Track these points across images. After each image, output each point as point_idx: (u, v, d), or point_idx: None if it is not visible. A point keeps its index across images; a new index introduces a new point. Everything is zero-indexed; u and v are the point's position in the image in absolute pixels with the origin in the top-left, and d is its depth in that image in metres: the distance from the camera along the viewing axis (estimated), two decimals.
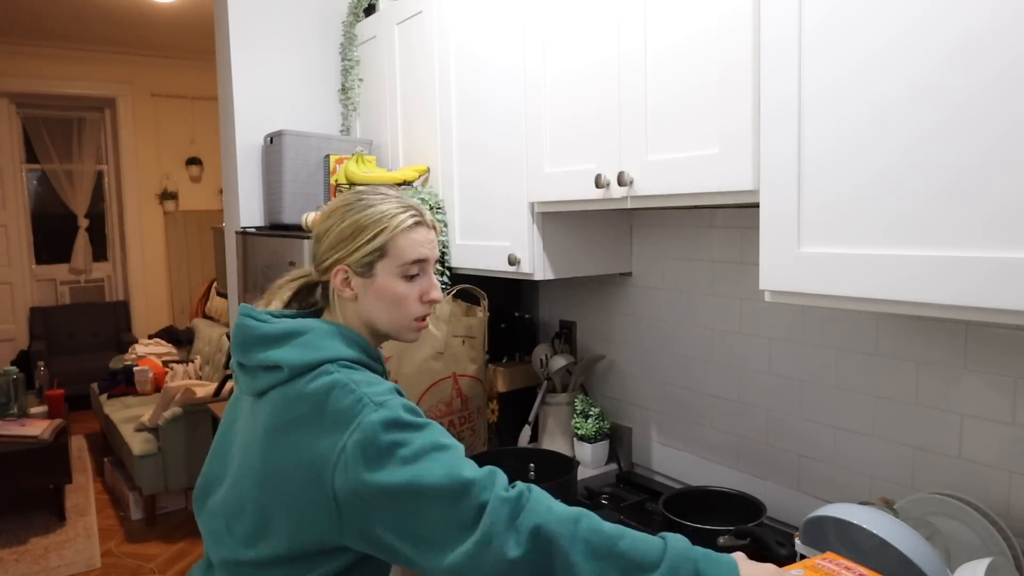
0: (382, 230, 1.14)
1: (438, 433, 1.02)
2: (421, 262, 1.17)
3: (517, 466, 1.70)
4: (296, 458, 1.01)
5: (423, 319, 1.21)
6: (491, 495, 0.96)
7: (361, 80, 2.50)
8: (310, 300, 1.25)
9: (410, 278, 1.17)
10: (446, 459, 0.98)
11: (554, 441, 2.02)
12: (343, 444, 0.98)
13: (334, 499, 0.99)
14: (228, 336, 3.92)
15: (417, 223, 1.17)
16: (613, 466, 1.97)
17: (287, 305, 1.23)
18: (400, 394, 1.08)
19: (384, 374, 1.21)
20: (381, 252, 1.14)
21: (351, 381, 1.04)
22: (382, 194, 1.20)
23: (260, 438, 1.07)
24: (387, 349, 1.74)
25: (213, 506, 1.16)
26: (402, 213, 1.16)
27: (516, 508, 0.96)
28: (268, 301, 1.23)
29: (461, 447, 1.03)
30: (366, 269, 1.15)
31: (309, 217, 2.14)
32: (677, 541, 0.98)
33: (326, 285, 1.20)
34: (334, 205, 1.20)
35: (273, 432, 1.05)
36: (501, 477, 1.00)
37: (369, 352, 1.16)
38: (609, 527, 0.97)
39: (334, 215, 1.18)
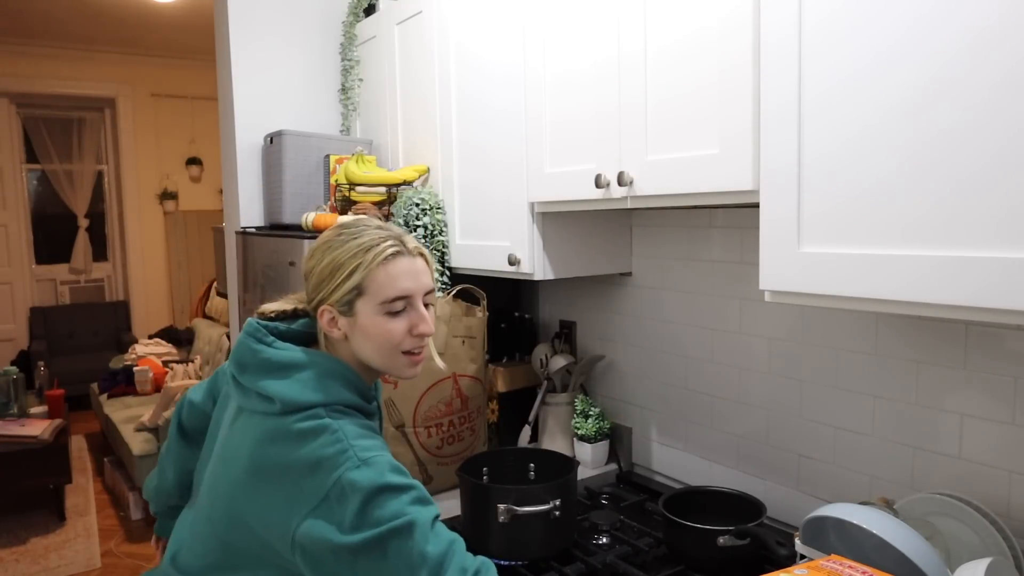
0: (357, 266, 1.08)
1: (415, 498, 1.00)
2: (403, 297, 1.10)
3: (517, 466, 1.70)
4: (269, 499, 1.01)
5: (416, 353, 1.14)
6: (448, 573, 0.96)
7: (361, 80, 2.50)
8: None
9: (394, 314, 1.10)
10: (415, 531, 0.96)
11: (554, 441, 2.02)
12: (321, 491, 0.98)
13: (294, 541, 0.98)
14: (228, 336, 3.91)
15: (396, 254, 1.10)
16: (613, 466, 1.97)
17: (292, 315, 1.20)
18: (385, 450, 1.05)
19: (378, 412, 1.20)
20: (359, 290, 1.09)
21: (340, 429, 1.02)
22: (362, 226, 1.14)
23: (242, 469, 1.05)
24: None
25: (188, 511, 1.20)
26: (378, 245, 1.10)
27: None
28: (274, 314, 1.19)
29: (435, 512, 1.01)
30: (347, 308, 1.10)
31: (309, 217, 2.14)
32: None
33: None
34: (317, 243, 1.16)
35: (255, 469, 1.04)
36: (460, 554, 0.99)
37: (364, 394, 1.13)
38: None
39: (316, 253, 1.14)
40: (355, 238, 1.11)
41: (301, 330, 1.18)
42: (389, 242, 1.10)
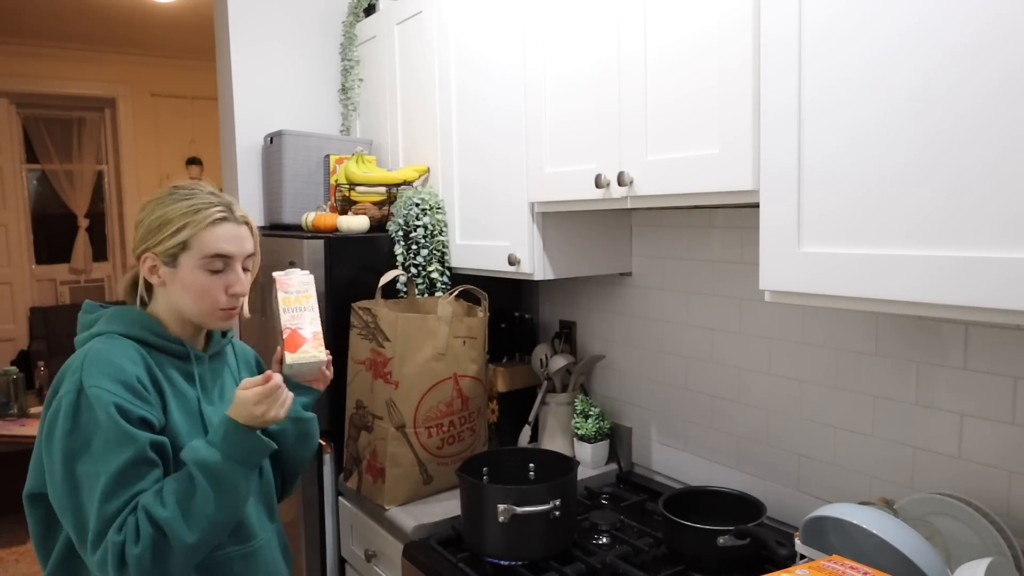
0: (186, 224, 1.20)
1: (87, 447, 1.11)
2: (224, 257, 1.22)
3: (517, 466, 1.70)
4: None
5: (231, 309, 1.25)
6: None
7: (361, 80, 2.50)
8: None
9: (214, 272, 1.22)
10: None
11: (554, 441, 2.02)
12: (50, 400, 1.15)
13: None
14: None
15: (223, 219, 1.22)
16: (613, 466, 1.97)
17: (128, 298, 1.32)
18: (141, 388, 1.15)
19: (186, 356, 1.26)
20: (184, 245, 1.20)
21: (91, 354, 1.15)
22: (196, 190, 1.25)
23: None
24: (389, 351, 1.73)
25: None
26: (207, 208, 1.21)
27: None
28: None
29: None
30: (171, 260, 1.21)
31: (309, 217, 2.14)
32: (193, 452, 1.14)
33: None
34: (150, 197, 1.26)
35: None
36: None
37: (155, 331, 1.23)
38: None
39: (147, 207, 1.25)
40: (187, 199, 1.22)
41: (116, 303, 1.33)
42: (218, 208, 1.22)
